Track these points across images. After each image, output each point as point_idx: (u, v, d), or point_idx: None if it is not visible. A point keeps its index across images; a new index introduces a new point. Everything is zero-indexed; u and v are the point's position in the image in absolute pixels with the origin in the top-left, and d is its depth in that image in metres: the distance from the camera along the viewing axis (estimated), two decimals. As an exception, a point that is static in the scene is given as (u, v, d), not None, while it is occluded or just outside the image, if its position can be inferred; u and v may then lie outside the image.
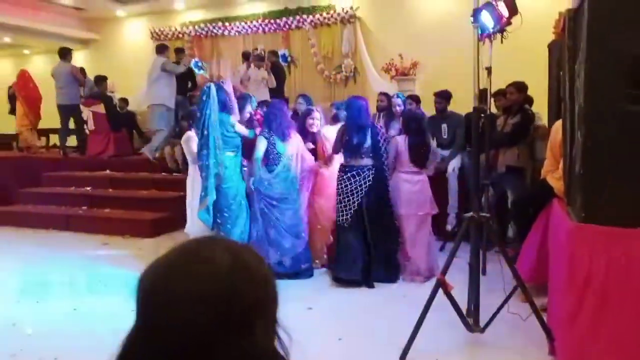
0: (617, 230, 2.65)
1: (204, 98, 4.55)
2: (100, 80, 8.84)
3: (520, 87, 5.17)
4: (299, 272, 4.68)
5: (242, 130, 4.74)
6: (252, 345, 0.66)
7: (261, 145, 4.64)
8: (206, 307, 0.64)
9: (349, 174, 4.46)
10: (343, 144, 4.51)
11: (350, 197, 4.42)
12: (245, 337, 0.66)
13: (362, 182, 4.43)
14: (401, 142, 4.64)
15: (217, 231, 4.56)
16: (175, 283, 0.66)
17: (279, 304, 0.74)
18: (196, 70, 10.23)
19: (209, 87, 4.62)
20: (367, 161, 4.49)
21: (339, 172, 4.57)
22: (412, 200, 4.57)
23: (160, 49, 8.03)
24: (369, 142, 4.47)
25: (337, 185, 4.53)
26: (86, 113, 8.76)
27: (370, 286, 4.39)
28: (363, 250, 4.44)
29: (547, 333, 3.00)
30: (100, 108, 8.56)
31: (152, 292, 0.68)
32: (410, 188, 4.59)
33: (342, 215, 4.47)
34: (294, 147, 4.76)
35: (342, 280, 4.46)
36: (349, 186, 4.44)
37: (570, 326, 2.74)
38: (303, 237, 4.71)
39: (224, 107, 4.61)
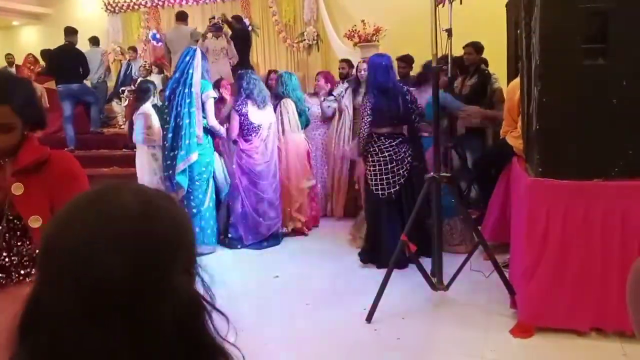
0: (573, 183, 2.71)
1: (187, 59, 4.46)
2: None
3: (478, 48, 5.21)
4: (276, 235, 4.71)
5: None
6: (168, 287, 0.62)
7: (235, 123, 4.52)
8: (112, 251, 0.59)
9: (394, 143, 4.01)
10: (373, 111, 3.97)
11: (397, 167, 3.99)
12: (160, 281, 0.61)
13: (407, 150, 4.05)
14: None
15: (187, 201, 4.44)
16: (78, 229, 0.61)
17: (197, 246, 0.70)
18: (154, 43, 9.96)
19: (195, 49, 4.56)
20: (402, 127, 4.11)
21: (374, 141, 4.03)
22: None
23: (183, 17, 7.37)
24: (400, 105, 4.00)
25: (376, 155, 4.01)
26: (39, 90, 8.40)
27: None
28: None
29: (508, 287, 3.07)
30: (54, 84, 8.20)
31: (52, 241, 0.62)
32: None
33: (388, 188, 3.98)
34: (269, 115, 4.66)
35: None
36: (393, 155, 3.98)
37: (530, 279, 2.81)
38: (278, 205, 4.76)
39: (205, 76, 4.56)
